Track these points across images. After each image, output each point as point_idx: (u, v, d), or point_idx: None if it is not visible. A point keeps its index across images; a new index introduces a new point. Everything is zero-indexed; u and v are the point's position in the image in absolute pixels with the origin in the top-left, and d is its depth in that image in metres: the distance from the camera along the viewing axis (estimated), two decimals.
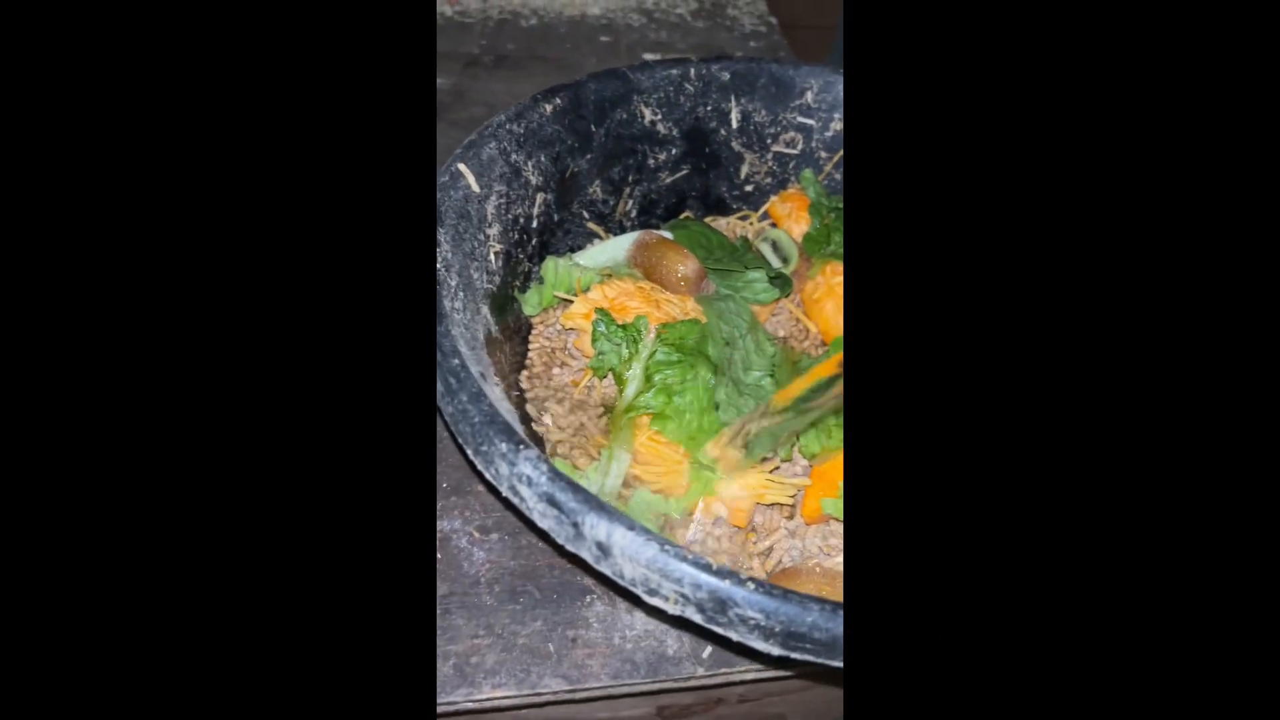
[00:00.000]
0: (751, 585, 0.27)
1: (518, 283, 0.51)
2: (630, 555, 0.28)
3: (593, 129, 0.54)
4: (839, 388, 0.34)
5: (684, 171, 0.61)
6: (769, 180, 0.63)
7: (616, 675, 0.39)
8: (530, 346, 0.51)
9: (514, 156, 0.49)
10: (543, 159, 0.51)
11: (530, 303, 0.51)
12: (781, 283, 0.52)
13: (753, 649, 0.28)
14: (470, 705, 0.38)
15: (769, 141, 0.61)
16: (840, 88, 0.59)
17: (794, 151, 0.61)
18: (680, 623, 0.39)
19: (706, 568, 0.27)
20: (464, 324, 0.40)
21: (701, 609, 0.28)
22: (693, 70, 0.57)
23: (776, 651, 0.27)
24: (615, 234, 0.59)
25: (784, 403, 0.37)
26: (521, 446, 0.30)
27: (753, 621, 0.27)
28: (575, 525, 0.29)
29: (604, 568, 0.29)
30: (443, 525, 0.44)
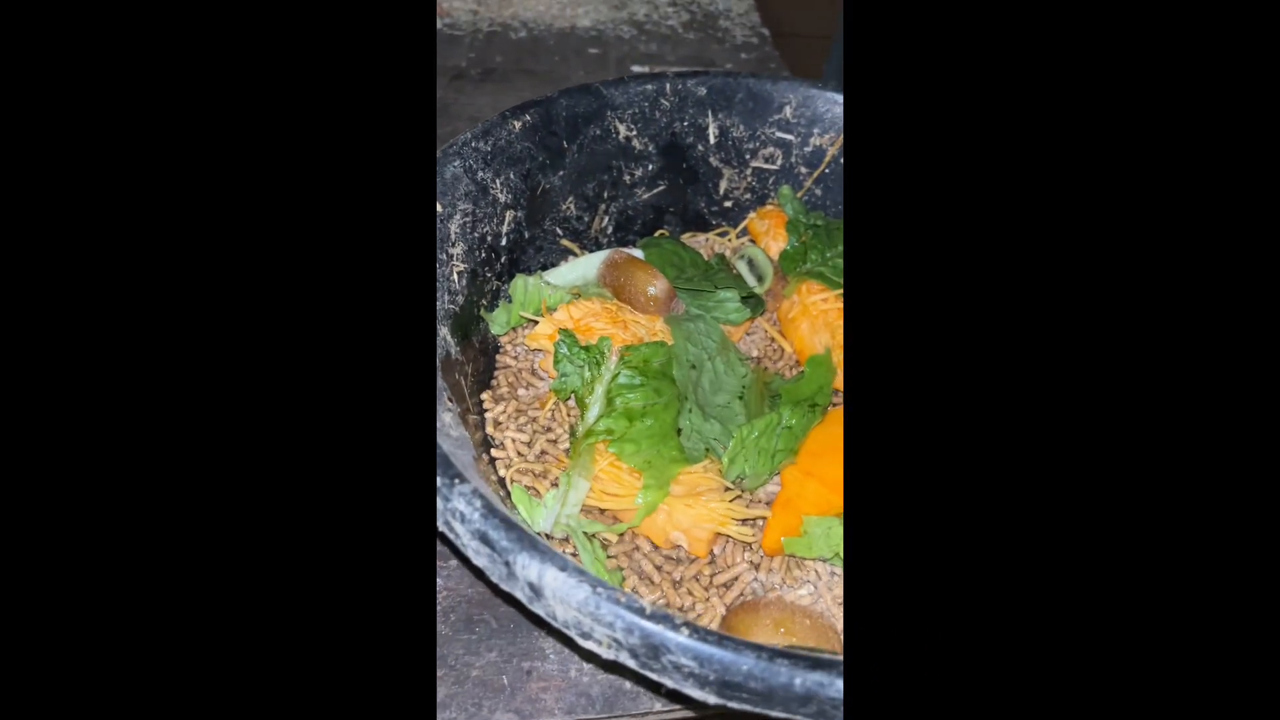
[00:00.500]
0: (686, 631, 0.26)
1: (485, 301, 0.50)
2: (562, 597, 0.27)
3: (565, 145, 0.54)
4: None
5: (661, 187, 0.60)
6: (748, 196, 0.62)
7: (571, 710, 0.38)
8: (496, 366, 0.50)
9: (480, 174, 0.48)
10: (512, 176, 0.51)
11: (498, 322, 0.50)
12: (753, 303, 0.51)
13: None
14: None
15: (748, 157, 0.60)
16: (820, 102, 0.58)
17: (773, 167, 0.60)
18: (618, 668, 0.38)
19: (639, 611, 0.26)
20: None
21: (634, 654, 0.26)
22: (668, 85, 0.56)
23: (713, 700, 0.26)
24: (590, 251, 0.58)
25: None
26: (456, 481, 0.29)
27: (686, 669, 0.26)
28: (507, 564, 0.28)
29: (537, 609, 0.28)
30: None
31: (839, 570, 0.41)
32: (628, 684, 0.39)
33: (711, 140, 0.59)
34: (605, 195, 0.58)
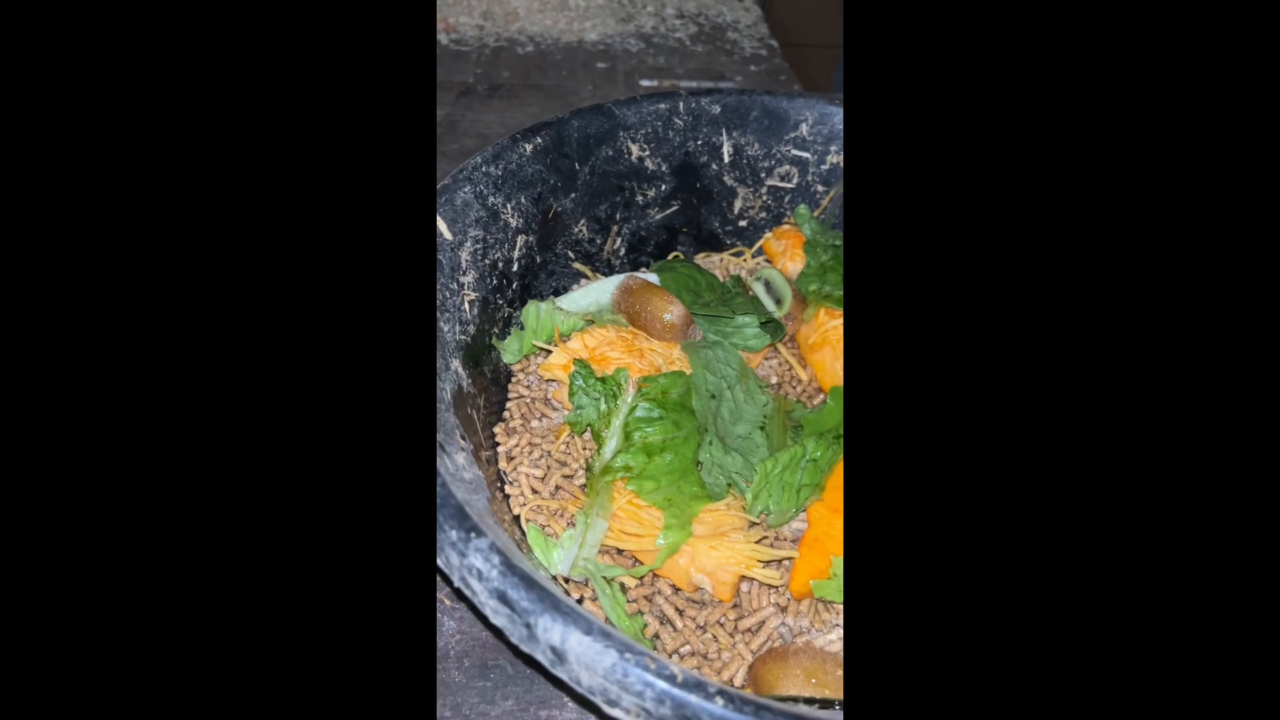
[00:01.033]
0: (721, 700, 0.24)
1: (496, 329, 0.48)
2: (587, 663, 0.25)
3: (577, 167, 0.52)
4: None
5: (675, 208, 0.58)
6: (764, 215, 0.60)
7: None
8: (509, 396, 0.48)
9: (491, 200, 0.47)
10: (523, 200, 0.49)
11: (510, 350, 0.48)
12: (773, 328, 0.50)
13: None
14: None
15: (763, 175, 0.58)
16: (837, 119, 0.56)
17: (789, 185, 0.59)
18: None
19: (670, 678, 0.25)
20: None
21: None
22: (681, 104, 0.55)
23: None
24: (604, 273, 0.56)
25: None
26: (473, 535, 0.28)
27: None
28: (528, 626, 0.26)
29: (560, 674, 0.26)
30: None
31: None
32: None
33: (726, 159, 0.58)
34: (618, 217, 0.56)
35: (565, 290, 0.54)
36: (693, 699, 0.24)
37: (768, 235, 0.59)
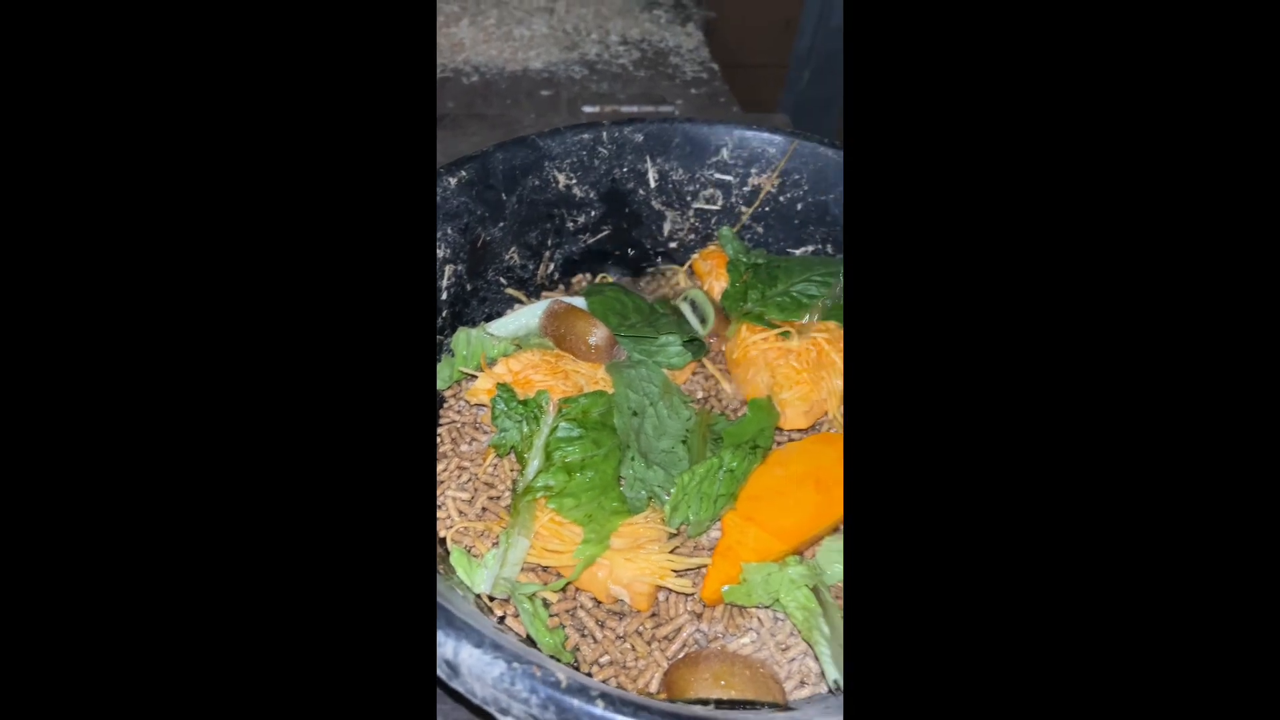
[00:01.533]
0: (601, 703, 0.26)
1: None
2: (478, 674, 0.27)
3: (504, 197, 0.54)
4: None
5: (605, 232, 0.60)
6: (693, 237, 0.62)
7: None
8: (440, 422, 0.50)
9: None
10: (449, 231, 0.51)
11: (440, 377, 0.50)
12: (695, 346, 0.52)
13: None
14: None
15: (689, 199, 0.61)
16: (755, 142, 0.59)
17: (715, 207, 0.61)
18: None
19: (555, 684, 0.26)
20: None
21: None
22: (604, 133, 0.57)
23: None
24: (536, 297, 0.58)
25: None
26: None
27: None
28: None
29: (456, 686, 0.28)
30: None
31: (781, 616, 0.40)
32: None
33: (652, 184, 0.60)
34: (549, 243, 0.58)
35: (499, 315, 0.56)
36: (575, 702, 0.26)
37: (695, 256, 0.61)
